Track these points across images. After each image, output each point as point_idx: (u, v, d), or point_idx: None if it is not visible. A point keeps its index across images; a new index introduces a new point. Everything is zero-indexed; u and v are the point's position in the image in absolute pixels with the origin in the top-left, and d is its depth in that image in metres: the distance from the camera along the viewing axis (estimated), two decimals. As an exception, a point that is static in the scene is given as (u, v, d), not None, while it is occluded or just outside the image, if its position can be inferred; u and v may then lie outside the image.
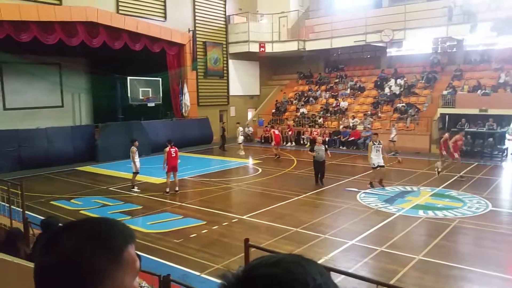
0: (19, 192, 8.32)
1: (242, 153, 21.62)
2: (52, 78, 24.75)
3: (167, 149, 13.42)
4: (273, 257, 0.85)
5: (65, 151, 18.87)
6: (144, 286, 4.20)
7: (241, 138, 22.20)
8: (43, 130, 18.68)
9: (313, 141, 14.69)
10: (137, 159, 13.88)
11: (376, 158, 13.71)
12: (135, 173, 14.02)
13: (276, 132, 20.89)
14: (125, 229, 1.03)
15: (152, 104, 23.58)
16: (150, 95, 23.38)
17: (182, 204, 12.37)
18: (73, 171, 17.73)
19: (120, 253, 0.97)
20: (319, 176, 14.34)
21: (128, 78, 22.29)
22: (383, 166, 13.82)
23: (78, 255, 0.93)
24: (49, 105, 24.82)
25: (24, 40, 18.41)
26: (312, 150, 14.44)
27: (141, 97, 22.99)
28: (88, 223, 1.03)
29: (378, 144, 13.80)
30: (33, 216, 9.50)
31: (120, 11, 22.17)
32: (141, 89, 23.04)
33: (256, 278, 0.81)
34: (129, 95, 22.36)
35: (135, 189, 13.93)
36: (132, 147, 13.94)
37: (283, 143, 25.10)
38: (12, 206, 8.40)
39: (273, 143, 20.74)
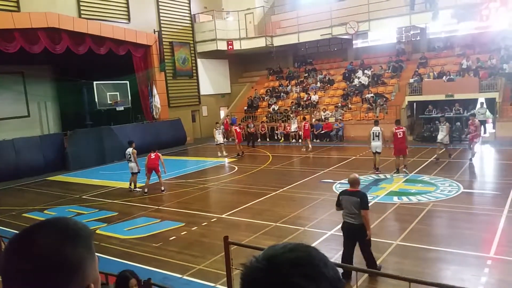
0: (-12, 207, 8.03)
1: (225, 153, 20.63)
2: (16, 88, 23.96)
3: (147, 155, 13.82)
4: (288, 245, 0.95)
5: (34, 162, 18.35)
6: None
7: (220, 138, 20.89)
8: (9, 142, 18.09)
9: None
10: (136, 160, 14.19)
11: (374, 143, 14.29)
12: (137, 173, 14.25)
13: (238, 129, 20.76)
14: (84, 225, 1.10)
15: (121, 108, 23.14)
16: (119, 99, 22.92)
17: (159, 207, 12.21)
18: (44, 182, 17.27)
19: (90, 243, 1.08)
20: None
21: (95, 83, 21.76)
22: (379, 153, 14.35)
23: (60, 250, 0.99)
24: (14, 115, 24.00)
25: (-17, 49, 17.77)
26: None
27: (109, 102, 22.50)
28: (52, 223, 1.07)
29: (377, 130, 14.41)
30: (5, 230, 9.20)
31: (82, 15, 21.65)
32: (108, 93, 22.55)
33: (282, 263, 0.89)
34: (96, 100, 21.86)
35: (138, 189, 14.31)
36: (131, 148, 14.14)
37: (258, 140, 24.91)
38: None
39: (236, 141, 20.38)
